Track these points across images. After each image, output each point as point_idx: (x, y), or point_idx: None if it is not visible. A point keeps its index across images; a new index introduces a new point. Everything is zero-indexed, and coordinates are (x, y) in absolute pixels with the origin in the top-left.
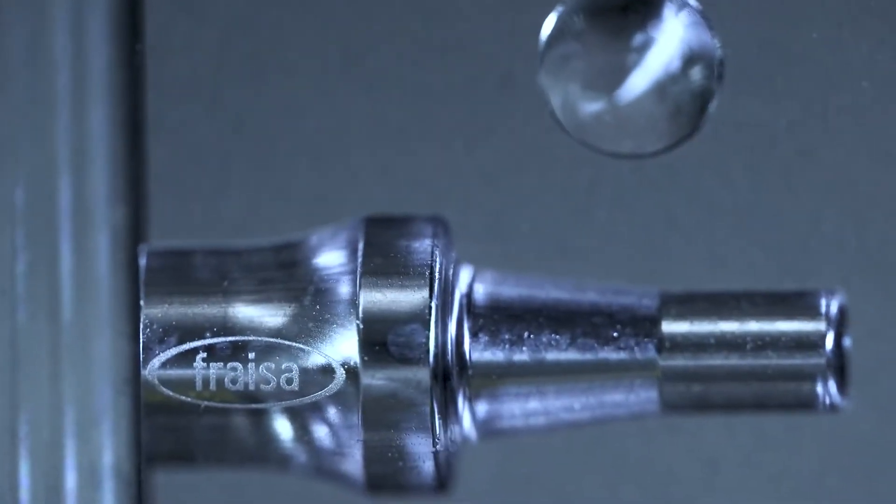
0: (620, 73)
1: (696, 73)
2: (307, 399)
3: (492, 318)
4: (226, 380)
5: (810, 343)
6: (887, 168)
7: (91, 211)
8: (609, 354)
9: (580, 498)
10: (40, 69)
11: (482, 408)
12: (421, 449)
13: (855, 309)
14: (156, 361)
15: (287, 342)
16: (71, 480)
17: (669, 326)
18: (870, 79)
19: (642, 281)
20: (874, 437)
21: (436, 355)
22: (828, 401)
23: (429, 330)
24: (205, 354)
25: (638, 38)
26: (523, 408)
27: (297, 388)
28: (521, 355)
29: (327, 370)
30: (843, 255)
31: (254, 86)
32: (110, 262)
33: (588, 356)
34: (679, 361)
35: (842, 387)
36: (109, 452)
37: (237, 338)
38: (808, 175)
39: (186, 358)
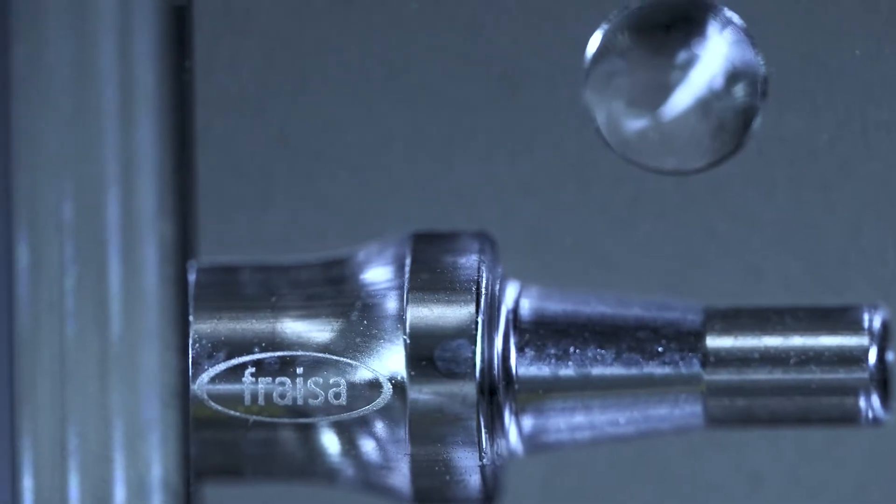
0: (664, 90)
1: (740, 91)
2: (354, 413)
3: (538, 333)
4: (274, 394)
5: (853, 357)
6: None
7: (139, 225)
8: (654, 369)
9: None
10: (88, 84)
11: (528, 422)
12: (468, 463)
13: None
14: (204, 376)
15: (334, 357)
16: (120, 493)
17: (714, 341)
18: None
19: (684, 295)
20: None
21: (482, 370)
22: (870, 415)
23: (475, 345)
24: (253, 369)
25: (682, 56)
26: (569, 422)
27: (344, 403)
28: (567, 370)
29: (374, 385)
30: (883, 268)
31: (298, 100)
32: (159, 277)
33: (633, 371)
34: (723, 376)
35: (884, 401)
36: (158, 466)
37: (285, 353)
38: (849, 189)
39: (235, 373)
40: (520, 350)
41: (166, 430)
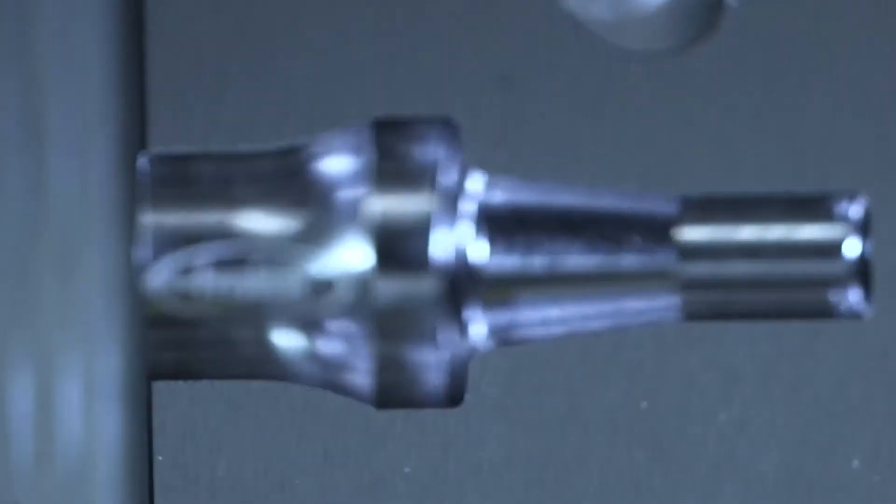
0: None
1: None
2: (313, 310)
3: (505, 225)
4: (230, 291)
5: (832, 249)
6: None
7: (86, 115)
8: (628, 262)
9: (596, 408)
10: None
11: (496, 317)
12: (431, 360)
13: (876, 213)
14: (157, 272)
15: (293, 251)
16: (71, 394)
17: (689, 233)
18: None
19: (658, 185)
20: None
21: (446, 264)
22: (850, 308)
23: (438, 238)
24: (208, 264)
25: None
26: (538, 316)
27: (302, 299)
28: (536, 263)
29: (333, 281)
30: (863, 156)
31: None
32: (107, 169)
33: (605, 263)
34: (699, 268)
35: (864, 293)
36: (111, 366)
37: (241, 247)
38: (828, 75)
39: (189, 268)
40: (487, 243)
41: (118, 329)
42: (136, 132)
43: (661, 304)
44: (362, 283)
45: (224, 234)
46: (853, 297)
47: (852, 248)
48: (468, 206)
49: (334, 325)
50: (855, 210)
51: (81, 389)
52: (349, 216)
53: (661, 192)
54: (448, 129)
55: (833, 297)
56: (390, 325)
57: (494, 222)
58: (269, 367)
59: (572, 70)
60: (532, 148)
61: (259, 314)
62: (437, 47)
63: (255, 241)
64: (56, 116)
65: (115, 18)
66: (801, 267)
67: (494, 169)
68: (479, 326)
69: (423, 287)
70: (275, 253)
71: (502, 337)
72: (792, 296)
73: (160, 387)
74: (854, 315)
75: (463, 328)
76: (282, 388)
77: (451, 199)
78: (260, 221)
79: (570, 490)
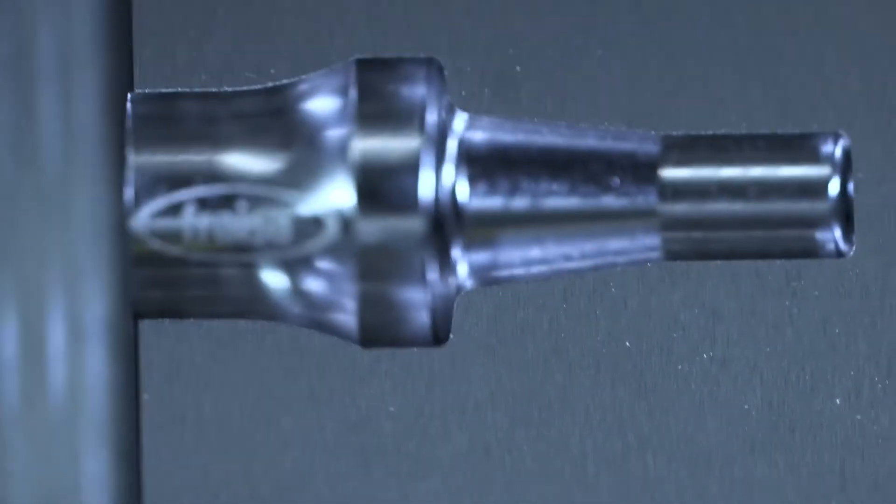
0: None
1: None
2: (299, 250)
3: (488, 165)
4: (216, 230)
5: (814, 188)
6: (892, 7)
7: (73, 56)
8: (609, 201)
9: (580, 347)
10: None
11: (479, 256)
12: (416, 299)
13: (857, 152)
14: (144, 212)
15: (278, 192)
16: (57, 334)
17: (670, 172)
18: None
19: (640, 125)
20: (877, 283)
21: (431, 203)
22: (832, 246)
23: (423, 178)
24: (194, 205)
25: None
26: (521, 256)
27: (288, 239)
28: (519, 203)
29: (319, 221)
30: (846, 96)
31: None
32: (94, 110)
33: (588, 203)
34: (681, 208)
35: (846, 232)
36: (96, 305)
37: (227, 187)
38: (811, 14)
39: (175, 208)
40: (469, 182)
41: (104, 269)
42: (122, 73)
43: (643, 244)
44: (348, 222)
45: (210, 173)
46: (835, 235)
47: (834, 187)
48: (452, 146)
49: (320, 263)
50: (836, 149)
51: (68, 329)
52: (335, 155)
53: (643, 131)
54: (432, 68)
55: (815, 236)
56: (376, 264)
57: (478, 162)
58: (256, 305)
59: (556, 8)
60: (515, 87)
61: (245, 253)
62: None
63: (241, 180)
64: (43, 57)
65: None
66: (782, 206)
67: (478, 109)
68: (462, 266)
69: (409, 226)
70: (261, 192)
71: (486, 276)
72: (774, 235)
73: (147, 326)
74: (836, 254)
75: (447, 267)
76: (268, 327)
77: (437, 138)
78: (246, 161)
79: (555, 428)
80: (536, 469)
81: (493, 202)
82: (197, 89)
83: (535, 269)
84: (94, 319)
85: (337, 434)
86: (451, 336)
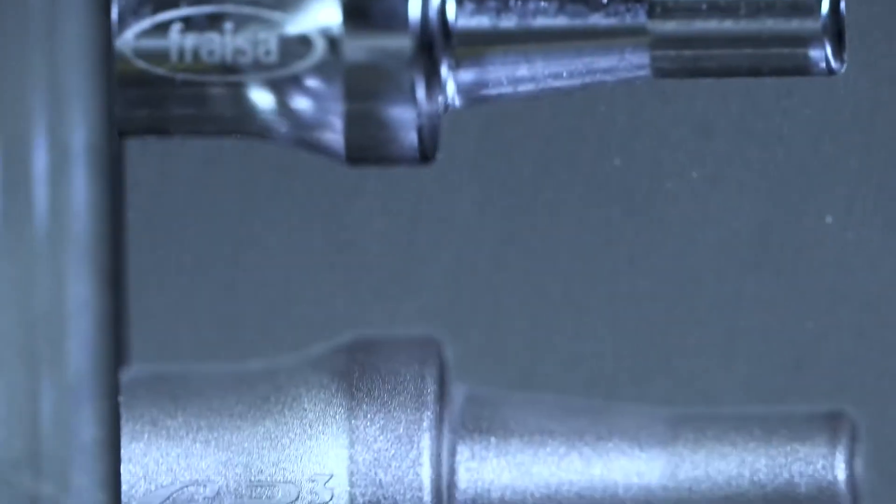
0: None
1: None
2: (286, 70)
3: None
4: (202, 51)
5: (806, 6)
6: None
7: None
8: (598, 20)
9: (569, 165)
10: None
11: (467, 75)
12: (404, 118)
13: None
14: (129, 32)
15: (265, 11)
16: (41, 158)
17: None
18: None
19: None
20: (869, 100)
21: (419, 22)
22: (823, 65)
23: None
24: (181, 25)
25: None
26: (510, 75)
27: (275, 59)
28: (508, 22)
29: (306, 40)
30: None
31: None
32: None
33: (577, 22)
34: (670, 26)
35: (837, 50)
36: (81, 127)
37: (214, 7)
38: None
39: (161, 28)
40: (458, 1)
41: (89, 90)
42: None
43: (632, 62)
44: (336, 41)
45: None
46: (826, 53)
47: (825, 4)
48: None
49: (308, 82)
50: None
51: (52, 150)
52: None
53: None
54: None
55: (806, 53)
56: (363, 83)
57: None
58: (242, 124)
59: None
60: None
61: (231, 73)
62: None
63: (228, 1)
64: None
65: None
66: (773, 24)
67: None
68: (450, 84)
69: (397, 45)
70: (247, 11)
71: (474, 95)
72: (764, 53)
73: (133, 146)
74: (827, 71)
75: (435, 86)
76: (254, 146)
77: None
78: None
79: (543, 245)
80: (524, 287)
81: (482, 20)
82: None
83: (523, 88)
84: (79, 140)
85: (324, 252)
86: (439, 154)
